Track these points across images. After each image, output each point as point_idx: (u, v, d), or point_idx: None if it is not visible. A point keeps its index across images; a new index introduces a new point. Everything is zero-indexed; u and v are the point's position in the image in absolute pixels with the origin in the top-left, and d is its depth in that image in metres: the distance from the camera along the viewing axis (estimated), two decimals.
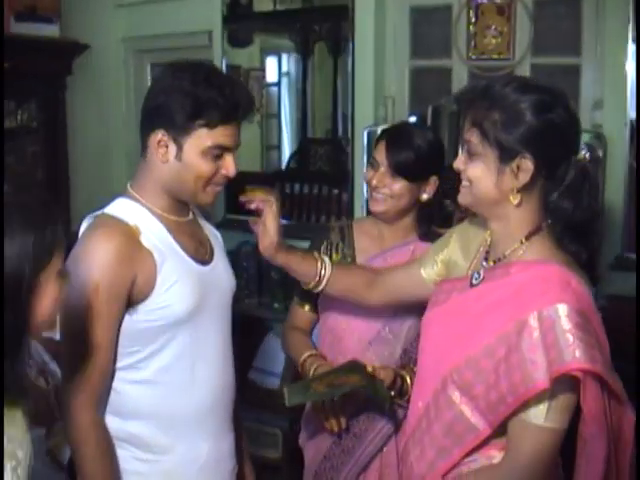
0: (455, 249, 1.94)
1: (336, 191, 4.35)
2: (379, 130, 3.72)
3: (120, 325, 1.81)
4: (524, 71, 3.77)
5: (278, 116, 4.95)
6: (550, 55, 3.76)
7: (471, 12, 3.87)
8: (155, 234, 1.85)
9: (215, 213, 4.62)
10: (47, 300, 1.33)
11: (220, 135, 1.81)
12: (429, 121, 3.84)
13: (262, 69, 4.91)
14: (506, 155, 1.63)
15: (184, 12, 4.65)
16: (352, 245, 2.37)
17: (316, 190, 4.52)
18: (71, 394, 1.79)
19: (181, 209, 1.94)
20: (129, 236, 1.79)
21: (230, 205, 4.63)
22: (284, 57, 4.87)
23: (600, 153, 3.40)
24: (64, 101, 5.15)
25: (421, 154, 2.22)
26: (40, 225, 1.29)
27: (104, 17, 5.01)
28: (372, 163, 2.28)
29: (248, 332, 4.16)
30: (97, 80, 5.02)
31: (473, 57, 3.91)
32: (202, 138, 1.80)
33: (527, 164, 1.62)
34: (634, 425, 1.64)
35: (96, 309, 1.75)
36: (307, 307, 2.44)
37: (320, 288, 2.09)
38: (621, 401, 1.62)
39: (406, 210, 2.29)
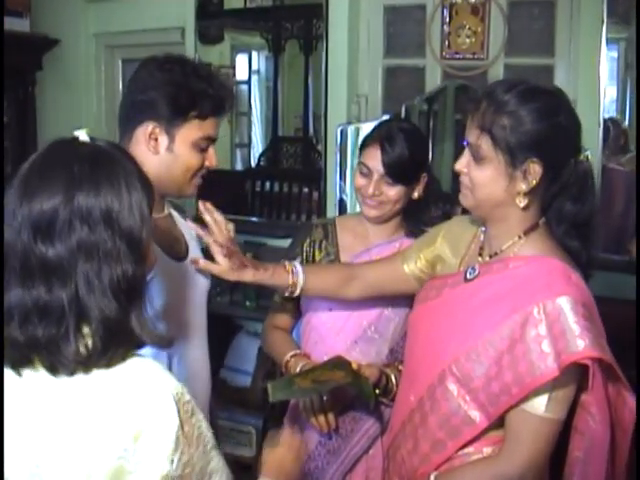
0: (443, 246, 1.94)
1: (307, 189, 4.35)
2: (351, 128, 3.73)
3: None
4: (497, 71, 3.79)
5: (248, 114, 4.93)
6: (524, 55, 3.78)
7: (445, 11, 3.88)
8: None
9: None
10: (151, 250, 1.40)
11: (210, 126, 1.84)
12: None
13: (232, 67, 4.88)
14: (516, 160, 1.63)
15: (156, 8, 4.62)
16: (336, 243, 2.32)
17: (286, 188, 4.53)
18: None
19: (157, 204, 1.92)
20: None
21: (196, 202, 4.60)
22: (254, 55, 4.86)
23: None
24: (34, 96, 5.08)
25: (415, 156, 2.18)
26: (142, 182, 1.35)
27: (75, 12, 4.97)
28: (363, 170, 2.20)
29: (220, 330, 4.13)
30: (67, 75, 4.96)
31: (447, 56, 3.91)
32: (194, 129, 1.82)
33: (535, 168, 1.63)
34: (635, 411, 1.66)
35: None
36: (289, 305, 2.37)
37: (296, 294, 2.07)
38: (621, 389, 1.65)
39: (397, 212, 2.26)
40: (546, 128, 1.62)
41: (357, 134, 3.66)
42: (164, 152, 1.83)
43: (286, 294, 2.07)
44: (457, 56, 3.88)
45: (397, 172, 2.16)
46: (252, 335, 4.17)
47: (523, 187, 1.65)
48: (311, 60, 4.25)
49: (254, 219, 4.54)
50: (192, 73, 1.80)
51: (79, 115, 4.98)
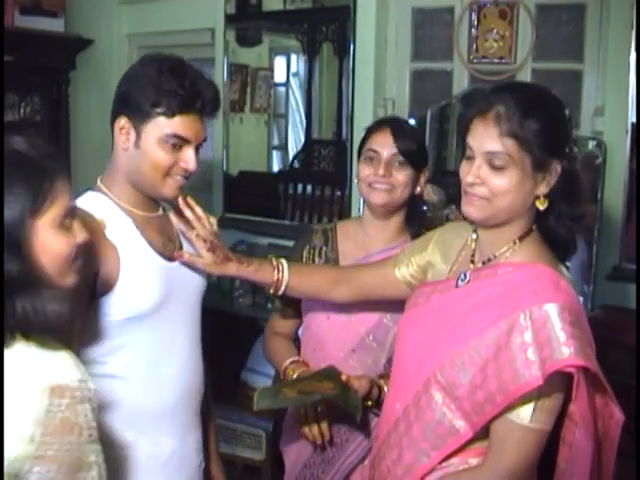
0: (434, 252, 1.92)
1: (339, 192, 4.33)
2: None
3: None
4: (525, 76, 3.74)
5: (286, 116, 4.94)
6: (552, 60, 3.73)
7: (473, 15, 3.84)
8: (121, 228, 1.85)
9: (214, 212, 4.62)
10: (50, 250, 1.39)
11: (178, 125, 1.81)
12: (428, 124, 3.81)
13: (271, 69, 4.91)
14: (542, 163, 1.62)
15: (187, 10, 4.67)
16: (336, 249, 2.30)
17: (319, 191, 4.51)
18: None
19: (150, 204, 1.94)
20: (94, 229, 1.78)
21: (228, 204, 4.63)
22: (293, 57, 4.86)
23: (599, 160, 3.37)
24: (67, 96, 5.17)
25: (420, 141, 2.24)
26: (36, 175, 1.36)
27: (108, 13, 5.04)
28: (370, 156, 2.19)
29: (242, 332, 4.14)
30: (100, 75, 5.02)
31: (474, 60, 3.87)
32: (160, 126, 1.80)
33: (558, 168, 1.63)
34: (621, 425, 1.63)
35: None
36: (289, 311, 2.36)
37: (280, 292, 2.05)
38: (608, 401, 1.63)
39: (402, 205, 2.23)
40: (569, 129, 1.66)
41: None
42: (132, 147, 1.84)
43: (271, 291, 2.05)
44: (484, 60, 3.84)
45: (409, 150, 2.16)
46: None
47: (544, 189, 1.63)
48: (345, 63, 4.22)
49: (286, 222, 4.53)
50: (167, 71, 1.79)
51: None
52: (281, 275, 2.02)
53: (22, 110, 5.10)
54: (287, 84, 4.94)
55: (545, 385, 1.53)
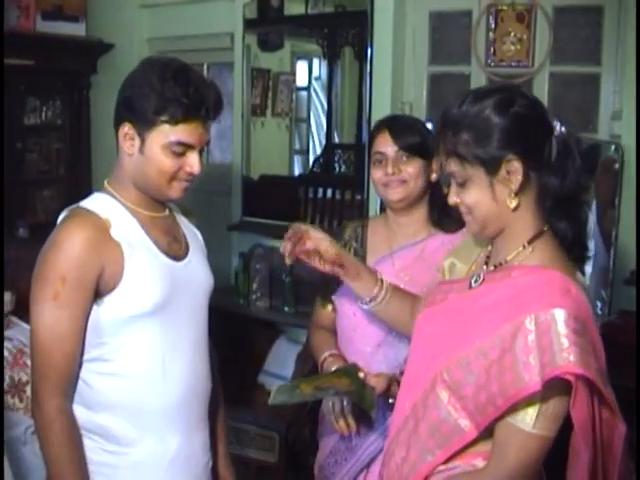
0: (460, 251, 1.93)
1: (359, 197, 4.32)
2: None
3: (88, 316, 1.84)
4: (543, 79, 3.73)
5: (308, 120, 4.95)
6: (569, 64, 3.72)
7: (491, 18, 3.83)
8: (126, 227, 1.87)
9: (232, 215, 4.64)
10: None
11: (182, 132, 1.82)
12: None
13: (293, 73, 4.93)
14: (491, 167, 1.61)
15: (206, 14, 4.70)
16: (364, 244, 2.37)
17: (339, 195, 4.53)
18: (38, 381, 1.83)
19: (156, 204, 1.97)
20: (99, 228, 1.82)
21: (246, 208, 4.64)
22: (315, 62, 4.87)
23: (617, 165, 3.35)
24: (88, 100, 5.22)
25: (422, 132, 2.25)
26: None
27: (129, 17, 5.08)
28: (378, 159, 2.25)
29: (258, 335, 4.16)
30: (121, 79, 4.98)
31: (492, 64, 3.86)
32: (164, 133, 1.81)
33: (515, 165, 1.60)
34: (625, 438, 1.61)
35: (63, 298, 1.79)
36: (329, 307, 2.42)
37: (370, 307, 2.07)
38: (613, 413, 1.60)
39: (420, 196, 2.27)
40: (507, 123, 1.59)
41: None
42: (137, 153, 1.85)
43: (366, 300, 2.05)
44: (502, 64, 3.83)
45: (410, 145, 2.21)
46: (292, 341, 4.18)
47: (512, 188, 1.62)
48: (364, 67, 4.21)
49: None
50: (171, 77, 1.80)
51: None
52: (382, 293, 2.05)
53: (44, 114, 5.17)
54: (309, 88, 4.95)
55: (547, 391, 1.52)
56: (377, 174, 2.25)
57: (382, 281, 2.05)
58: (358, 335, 2.30)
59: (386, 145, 2.23)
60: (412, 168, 2.21)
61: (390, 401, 2.10)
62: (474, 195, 1.64)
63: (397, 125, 2.26)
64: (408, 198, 2.24)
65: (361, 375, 2.06)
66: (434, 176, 2.26)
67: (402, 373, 2.14)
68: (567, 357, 1.50)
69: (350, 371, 2.09)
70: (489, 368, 1.58)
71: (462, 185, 1.65)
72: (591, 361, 1.53)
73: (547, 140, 1.63)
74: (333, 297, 2.37)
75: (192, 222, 2.13)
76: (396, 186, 2.22)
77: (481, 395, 1.59)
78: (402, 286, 2.14)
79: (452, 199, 1.70)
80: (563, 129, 1.64)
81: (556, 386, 1.53)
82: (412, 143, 2.21)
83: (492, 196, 1.62)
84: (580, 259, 1.72)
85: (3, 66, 3.88)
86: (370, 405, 2.03)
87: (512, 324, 1.57)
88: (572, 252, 1.69)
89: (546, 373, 1.50)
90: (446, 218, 2.25)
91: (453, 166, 1.64)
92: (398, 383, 2.11)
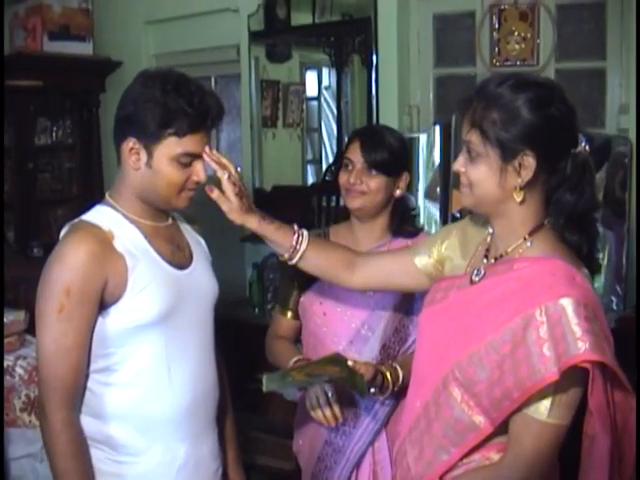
0: (454, 245, 1.91)
1: None
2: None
3: (94, 327, 1.85)
4: (549, 76, 3.69)
5: (319, 130, 4.96)
6: (575, 60, 3.71)
7: (494, 18, 3.83)
8: (129, 238, 1.88)
9: (245, 228, 4.64)
10: None
11: (189, 143, 1.83)
12: (453, 129, 3.79)
13: (302, 83, 4.93)
14: (508, 154, 1.61)
15: (212, 27, 4.72)
16: None
17: None
18: (44, 394, 1.84)
19: (158, 214, 1.97)
20: (101, 240, 1.83)
21: None
22: (324, 71, 4.88)
23: (626, 159, 3.33)
24: (98, 118, 5.25)
25: (393, 150, 2.27)
26: None
27: (135, 34, 5.11)
28: (346, 164, 2.30)
29: None
30: None
31: (497, 64, 3.86)
32: (171, 146, 1.82)
33: (529, 161, 1.60)
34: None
35: (67, 310, 1.79)
36: (289, 314, 2.44)
37: (294, 261, 2.00)
38: (628, 395, 1.61)
39: (381, 207, 2.31)
40: (537, 120, 1.59)
41: (410, 145, 3.64)
42: (144, 167, 1.85)
43: (285, 257, 2.00)
44: (507, 63, 3.83)
45: (376, 161, 2.24)
46: None
47: (518, 181, 1.62)
48: (372, 73, 4.22)
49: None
50: (172, 90, 1.79)
51: None
52: (300, 241, 1.98)
53: (54, 134, 5.23)
54: (319, 98, 4.96)
55: (562, 380, 1.52)
56: (342, 178, 2.30)
57: (302, 233, 2.00)
58: (329, 334, 2.32)
59: (355, 155, 2.27)
60: (374, 183, 2.25)
61: (372, 390, 2.11)
62: (482, 172, 1.64)
63: (369, 139, 2.28)
64: (366, 208, 2.29)
65: (350, 363, 2.05)
66: (398, 192, 2.31)
67: (382, 364, 2.16)
68: (583, 345, 1.50)
69: (338, 359, 2.09)
70: (502, 363, 1.59)
71: (473, 158, 1.65)
72: (605, 346, 1.54)
73: (568, 151, 1.63)
74: (301, 299, 2.39)
75: (196, 230, 2.13)
76: (356, 195, 2.27)
77: (495, 390, 1.60)
78: None
79: (457, 166, 1.70)
80: (587, 148, 1.64)
81: (571, 375, 1.53)
82: (379, 160, 2.25)
83: (498, 181, 1.63)
84: (592, 271, 1.71)
85: (3, 68, 3.92)
86: (362, 390, 2.04)
87: (522, 317, 1.57)
88: (586, 265, 1.69)
89: (563, 363, 1.51)
90: (408, 227, 2.35)
91: (473, 137, 1.63)
92: (383, 375, 2.13)
